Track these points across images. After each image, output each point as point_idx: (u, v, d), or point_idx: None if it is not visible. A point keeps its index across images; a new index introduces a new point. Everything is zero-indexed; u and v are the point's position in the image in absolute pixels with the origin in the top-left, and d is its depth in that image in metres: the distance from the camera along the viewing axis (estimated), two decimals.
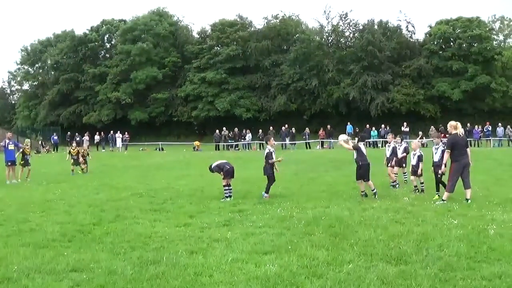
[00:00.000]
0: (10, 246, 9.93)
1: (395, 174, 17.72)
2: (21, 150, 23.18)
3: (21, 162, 23.53)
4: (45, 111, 78.74)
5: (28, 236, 10.88)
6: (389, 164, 17.84)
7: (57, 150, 59.24)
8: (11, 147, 22.65)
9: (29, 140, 24.64)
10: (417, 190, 15.94)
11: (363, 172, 14.95)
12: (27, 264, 8.46)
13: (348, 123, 53.62)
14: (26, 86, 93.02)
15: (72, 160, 25.54)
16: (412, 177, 16.09)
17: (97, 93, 73.40)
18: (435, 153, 14.75)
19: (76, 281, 7.55)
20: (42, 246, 9.85)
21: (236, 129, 53.30)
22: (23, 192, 18.98)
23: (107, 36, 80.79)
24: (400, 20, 76.87)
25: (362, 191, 15.12)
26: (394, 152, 17.78)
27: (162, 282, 7.43)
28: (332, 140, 48.60)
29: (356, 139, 16.23)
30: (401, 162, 17.89)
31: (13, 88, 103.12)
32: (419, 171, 15.67)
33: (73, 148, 26.22)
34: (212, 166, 15.56)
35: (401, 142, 18.12)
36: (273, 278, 7.42)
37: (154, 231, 11.00)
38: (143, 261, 8.52)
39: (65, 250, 9.42)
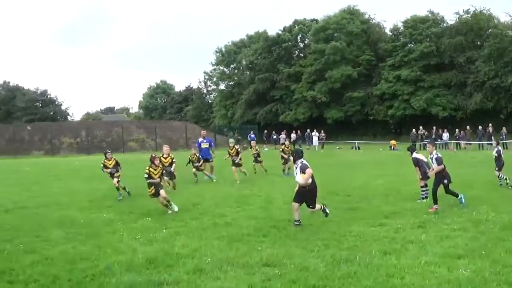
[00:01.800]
0: (205, 238, 10.22)
1: None
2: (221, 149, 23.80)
3: (225, 158, 24.67)
4: (241, 110, 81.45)
5: (223, 229, 11.15)
6: None
7: None
8: (204, 145, 23.39)
9: (233, 140, 25.09)
10: None
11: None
12: (220, 257, 8.63)
13: None
14: (222, 86, 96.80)
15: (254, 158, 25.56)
16: None
17: (293, 92, 74.54)
18: None
19: (268, 276, 7.55)
20: (236, 240, 10.01)
21: (434, 128, 51.28)
22: (221, 187, 19.54)
23: (300, 36, 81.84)
24: None
25: None
26: None
27: (353, 281, 7.25)
28: None
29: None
30: None
31: (209, 88, 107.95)
32: None
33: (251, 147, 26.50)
34: (414, 156, 14.91)
35: None
36: (465, 283, 7.05)
37: (348, 230, 10.82)
38: (335, 259, 8.37)
39: (259, 245, 9.51)
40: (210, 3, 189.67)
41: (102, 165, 18.11)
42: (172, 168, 18.43)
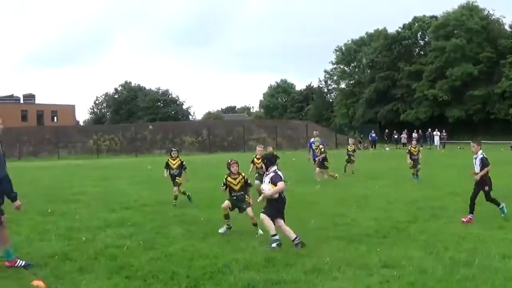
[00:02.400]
0: (325, 238, 10.13)
1: None
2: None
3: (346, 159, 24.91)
4: (362, 109, 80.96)
5: (343, 229, 11.06)
6: None
7: (375, 147, 60.31)
8: (315, 146, 23.20)
9: (352, 139, 24.93)
10: None
11: None
12: (339, 257, 8.52)
13: None
14: (342, 85, 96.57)
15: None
16: None
17: (414, 90, 73.28)
18: None
19: (386, 277, 7.39)
20: (355, 241, 9.88)
21: None
22: (341, 187, 19.40)
23: (420, 33, 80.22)
24: None
25: None
26: None
27: (471, 285, 6.97)
28: None
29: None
30: None
31: (329, 87, 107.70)
32: None
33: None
34: None
35: None
36: None
37: (468, 232, 10.50)
38: (454, 262, 8.12)
39: (378, 246, 9.35)
40: (329, 1, 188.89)
41: (165, 164, 16.48)
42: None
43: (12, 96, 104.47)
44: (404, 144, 58.25)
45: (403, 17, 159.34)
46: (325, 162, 21.38)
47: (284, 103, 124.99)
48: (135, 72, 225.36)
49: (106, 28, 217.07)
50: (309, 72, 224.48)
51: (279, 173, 10.05)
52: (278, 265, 8.18)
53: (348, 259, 8.37)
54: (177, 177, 15.92)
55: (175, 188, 15.68)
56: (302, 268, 7.96)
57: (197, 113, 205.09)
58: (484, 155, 12.45)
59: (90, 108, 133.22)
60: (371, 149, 58.91)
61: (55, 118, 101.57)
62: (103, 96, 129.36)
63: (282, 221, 9.82)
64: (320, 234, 10.59)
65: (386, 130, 65.25)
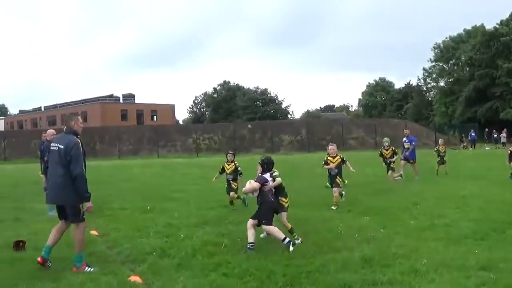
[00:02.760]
0: (423, 239, 9.91)
1: None
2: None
3: (438, 160, 24.13)
4: (461, 107, 78.92)
5: (442, 231, 10.77)
6: None
7: (474, 146, 58.58)
8: (406, 145, 22.72)
9: (442, 140, 24.28)
10: None
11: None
12: (437, 259, 8.31)
13: None
14: (441, 83, 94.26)
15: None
16: None
17: None
18: None
19: (483, 280, 7.16)
20: (453, 242, 9.61)
21: None
22: (440, 187, 18.91)
23: None
24: None
25: None
26: None
27: None
28: None
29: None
30: None
31: (428, 85, 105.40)
32: None
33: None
34: None
35: None
36: None
37: None
38: None
39: (476, 248, 9.07)
40: None
41: (220, 169, 15.46)
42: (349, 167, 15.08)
43: (112, 96, 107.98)
44: (503, 144, 56.27)
45: (500, 13, 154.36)
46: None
47: (383, 101, 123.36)
48: (234, 71, 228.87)
49: (205, 28, 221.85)
50: (408, 70, 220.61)
51: (265, 175, 9.99)
52: (375, 266, 8.07)
53: (446, 261, 8.17)
54: (231, 182, 15.13)
55: (232, 194, 14.95)
56: (399, 269, 7.83)
57: (296, 112, 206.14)
58: None
59: (189, 108, 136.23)
60: (471, 148, 57.34)
61: (155, 117, 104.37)
62: (202, 96, 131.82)
63: (255, 221, 9.62)
64: (418, 235, 10.40)
65: (486, 129, 63.20)
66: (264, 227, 9.69)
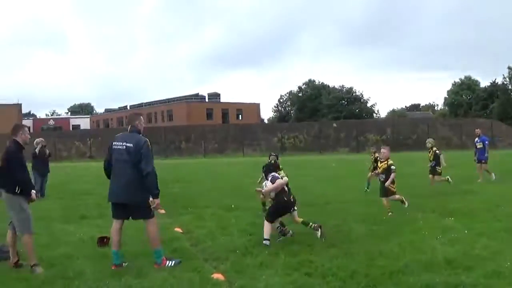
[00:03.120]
0: (507, 242, 9.65)
1: None
2: None
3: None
4: None
5: None
6: None
7: None
8: (479, 145, 22.02)
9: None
10: None
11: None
12: None
13: None
14: None
15: None
16: None
17: None
18: None
19: None
20: None
21: None
22: None
23: None
24: None
25: None
26: None
27: None
28: None
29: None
30: None
31: None
32: None
33: None
34: None
35: None
36: None
37: None
38: None
39: None
40: None
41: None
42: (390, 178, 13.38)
43: (197, 95, 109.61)
44: None
45: None
46: (437, 167, 19.13)
47: (468, 100, 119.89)
48: (319, 70, 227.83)
49: (290, 27, 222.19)
50: (493, 68, 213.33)
51: (277, 175, 10.78)
52: (458, 268, 7.91)
53: None
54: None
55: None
56: (482, 271, 7.65)
57: (381, 111, 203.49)
58: None
59: (274, 107, 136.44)
60: None
61: (240, 116, 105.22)
62: (287, 94, 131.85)
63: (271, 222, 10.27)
64: (502, 237, 10.11)
65: None
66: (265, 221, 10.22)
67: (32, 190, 8.57)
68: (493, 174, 21.31)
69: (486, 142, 22.25)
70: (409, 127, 63.72)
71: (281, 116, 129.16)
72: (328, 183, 21.48)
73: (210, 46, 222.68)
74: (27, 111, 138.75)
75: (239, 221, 12.60)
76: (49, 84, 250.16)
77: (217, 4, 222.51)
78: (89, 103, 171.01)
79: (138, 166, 8.28)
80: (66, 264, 8.60)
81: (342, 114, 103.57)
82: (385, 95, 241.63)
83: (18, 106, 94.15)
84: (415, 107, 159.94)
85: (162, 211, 13.74)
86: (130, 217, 8.61)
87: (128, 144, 8.44)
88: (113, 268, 8.34)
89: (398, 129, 62.12)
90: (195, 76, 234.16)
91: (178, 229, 11.51)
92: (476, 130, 23.59)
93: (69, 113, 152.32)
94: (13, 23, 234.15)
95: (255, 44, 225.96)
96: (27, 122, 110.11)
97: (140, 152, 8.33)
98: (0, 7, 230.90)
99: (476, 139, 22.52)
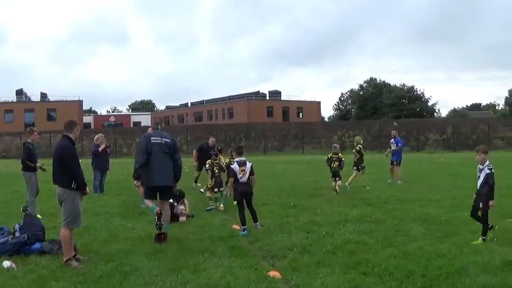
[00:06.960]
0: None
1: None
2: None
3: None
4: None
5: None
6: None
7: None
8: (393, 146, 21.78)
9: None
10: None
11: None
12: None
13: None
14: None
15: None
16: None
17: None
18: None
19: None
20: None
21: None
22: None
23: None
24: None
25: None
26: None
27: None
28: None
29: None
30: None
31: None
32: None
33: None
34: None
35: None
36: None
37: None
38: None
39: None
40: None
41: None
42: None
43: (258, 92, 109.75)
44: None
45: None
46: (359, 166, 19.98)
47: None
48: (381, 68, 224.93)
49: (352, 24, 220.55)
50: None
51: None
52: None
53: None
54: None
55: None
56: None
57: (442, 110, 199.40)
58: None
59: (335, 105, 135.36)
60: None
61: (301, 114, 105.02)
62: (348, 93, 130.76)
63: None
64: None
65: None
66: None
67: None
68: (396, 179, 21.29)
69: (400, 144, 22.21)
70: (470, 127, 62.65)
71: (342, 114, 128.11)
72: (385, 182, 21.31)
73: (271, 43, 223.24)
74: (88, 108, 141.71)
75: (297, 219, 12.63)
76: (110, 81, 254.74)
77: (279, 1, 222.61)
78: (150, 100, 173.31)
79: (173, 157, 10.50)
80: (123, 260, 8.79)
81: (403, 113, 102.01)
82: (446, 94, 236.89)
83: (79, 102, 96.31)
84: (476, 107, 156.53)
85: (221, 208, 14.12)
86: (158, 198, 10.64)
87: (165, 139, 10.50)
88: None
89: (459, 129, 61.19)
90: (256, 73, 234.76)
91: (236, 227, 11.62)
92: (392, 131, 23.80)
93: (130, 110, 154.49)
94: (76, 19, 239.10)
95: (316, 41, 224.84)
96: (88, 119, 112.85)
97: (175, 146, 10.70)
98: (62, 3, 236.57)
99: (392, 140, 22.52)
